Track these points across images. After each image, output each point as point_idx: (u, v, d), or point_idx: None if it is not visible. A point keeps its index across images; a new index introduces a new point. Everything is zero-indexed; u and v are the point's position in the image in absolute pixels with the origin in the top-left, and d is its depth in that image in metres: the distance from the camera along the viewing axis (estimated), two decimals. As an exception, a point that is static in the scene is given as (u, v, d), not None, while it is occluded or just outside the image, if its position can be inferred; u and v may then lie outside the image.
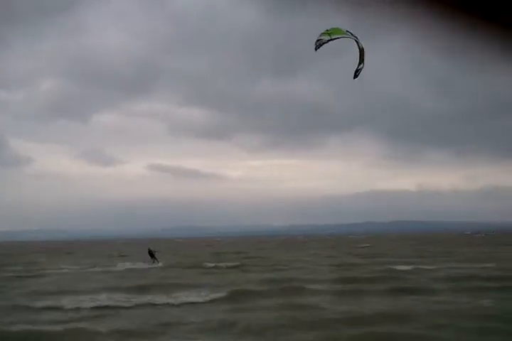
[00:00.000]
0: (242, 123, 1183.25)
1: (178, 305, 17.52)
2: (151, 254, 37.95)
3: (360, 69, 9.00)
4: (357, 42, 8.76)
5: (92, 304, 17.52)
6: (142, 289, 21.43)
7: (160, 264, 36.22)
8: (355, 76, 9.07)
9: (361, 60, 8.93)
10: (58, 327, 13.56)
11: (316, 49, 8.78)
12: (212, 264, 35.58)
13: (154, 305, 17.70)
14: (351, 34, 8.64)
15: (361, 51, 8.81)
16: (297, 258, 42.78)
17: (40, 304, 17.75)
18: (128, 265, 36.40)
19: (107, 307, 17.19)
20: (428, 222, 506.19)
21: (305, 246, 76.73)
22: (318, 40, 8.72)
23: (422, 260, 35.98)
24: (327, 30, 8.61)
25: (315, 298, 18.79)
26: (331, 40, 8.63)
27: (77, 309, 16.92)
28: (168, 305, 17.69)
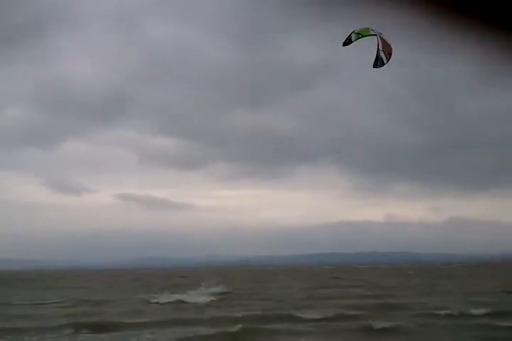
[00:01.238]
0: (213, 153, 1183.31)
1: None
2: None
3: (382, 62, 9.61)
4: (379, 36, 9.38)
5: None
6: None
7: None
8: (377, 65, 9.62)
9: (387, 54, 9.50)
10: None
11: (343, 44, 9.52)
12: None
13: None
14: (374, 31, 9.35)
15: (384, 45, 9.41)
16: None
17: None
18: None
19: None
20: (396, 253, 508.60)
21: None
22: (348, 38, 9.44)
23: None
24: (355, 31, 9.45)
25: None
26: (359, 38, 9.43)
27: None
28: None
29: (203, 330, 19.11)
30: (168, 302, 30.69)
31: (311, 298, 32.94)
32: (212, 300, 31.43)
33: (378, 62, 9.68)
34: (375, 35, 9.47)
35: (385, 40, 9.49)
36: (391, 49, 9.57)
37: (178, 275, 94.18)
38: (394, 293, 35.63)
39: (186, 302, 31.19)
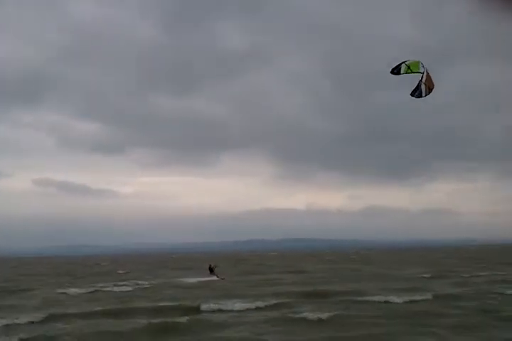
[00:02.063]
0: (137, 138, 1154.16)
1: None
2: (211, 270, 42.95)
3: (420, 93, 10.09)
4: (425, 71, 9.91)
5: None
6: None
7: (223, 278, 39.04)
8: (415, 95, 10.10)
9: (428, 89, 10.04)
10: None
11: (392, 72, 9.96)
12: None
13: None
14: (423, 67, 9.88)
15: (428, 80, 9.94)
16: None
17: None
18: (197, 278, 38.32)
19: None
20: (316, 240, 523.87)
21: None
22: (397, 67, 9.87)
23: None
24: (406, 62, 9.87)
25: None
26: (407, 72, 9.90)
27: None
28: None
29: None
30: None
31: (238, 285, 32.32)
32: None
33: (417, 93, 10.20)
34: (423, 72, 10.03)
35: (430, 77, 10.08)
36: (433, 86, 10.13)
37: (97, 263, 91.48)
38: (319, 279, 35.75)
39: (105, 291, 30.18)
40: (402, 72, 10.11)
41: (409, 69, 10.07)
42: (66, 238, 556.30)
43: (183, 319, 17.78)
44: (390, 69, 10.18)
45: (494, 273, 36.90)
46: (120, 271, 56.47)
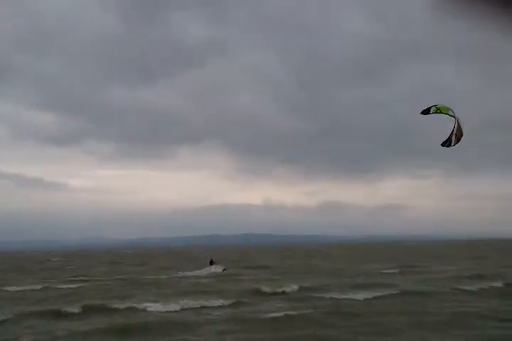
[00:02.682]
0: (93, 130, 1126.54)
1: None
2: (212, 263, 45.33)
3: (450, 143, 10.59)
4: (456, 121, 10.47)
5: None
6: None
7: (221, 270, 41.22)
8: (445, 145, 10.61)
9: (456, 139, 10.54)
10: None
11: (422, 113, 10.55)
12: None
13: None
14: (453, 114, 10.54)
15: (458, 130, 10.45)
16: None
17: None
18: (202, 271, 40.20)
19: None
20: (274, 236, 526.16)
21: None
22: (428, 109, 10.54)
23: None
24: (436, 106, 10.58)
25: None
26: (437, 113, 10.53)
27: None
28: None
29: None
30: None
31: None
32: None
33: (447, 143, 10.68)
34: (454, 117, 10.57)
35: (460, 125, 10.54)
36: (462, 135, 10.58)
37: (48, 259, 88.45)
38: (278, 275, 34.79)
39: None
40: (431, 112, 10.70)
41: (439, 110, 10.68)
42: (18, 232, 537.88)
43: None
44: (421, 111, 10.76)
45: (460, 268, 36.92)
46: (70, 267, 54.05)
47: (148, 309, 18.81)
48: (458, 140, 10.74)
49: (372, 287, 24.49)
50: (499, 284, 24.82)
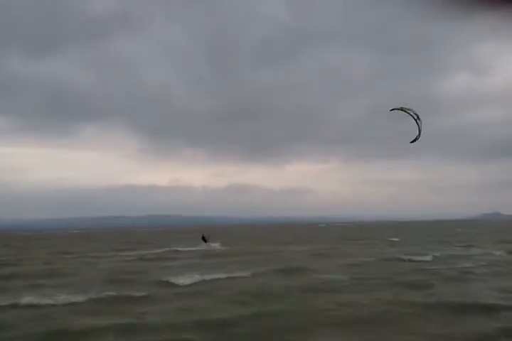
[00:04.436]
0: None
1: None
2: (204, 239, 47.40)
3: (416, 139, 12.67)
4: (416, 120, 12.64)
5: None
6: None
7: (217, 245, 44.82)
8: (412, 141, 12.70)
9: (419, 134, 12.62)
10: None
11: (391, 110, 12.74)
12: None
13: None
14: (414, 115, 12.67)
15: (419, 129, 12.58)
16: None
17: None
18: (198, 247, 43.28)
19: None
20: (181, 217, 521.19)
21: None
22: (395, 109, 12.71)
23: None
24: (403, 108, 12.78)
25: None
26: (400, 110, 12.75)
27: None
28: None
29: None
30: None
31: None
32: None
33: (414, 140, 12.64)
34: (413, 116, 12.60)
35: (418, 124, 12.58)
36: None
37: None
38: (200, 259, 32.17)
39: None
40: (396, 108, 12.75)
41: (402, 109, 12.74)
42: None
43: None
44: (390, 109, 12.81)
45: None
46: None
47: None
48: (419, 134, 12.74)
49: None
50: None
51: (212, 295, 16.42)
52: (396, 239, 53.50)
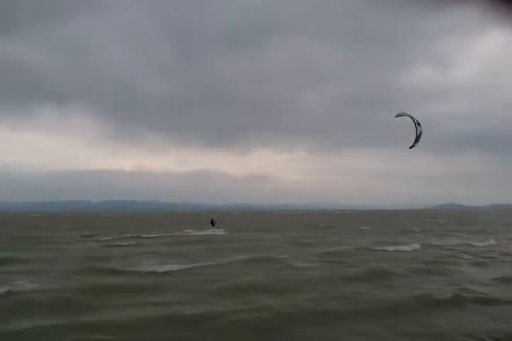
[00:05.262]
0: None
1: None
2: (213, 223, 48.88)
3: (415, 145, 13.16)
4: (416, 126, 13.03)
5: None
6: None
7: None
8: (411, 147, 13.14)
9: (417, 140, 13.03)
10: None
11: (396, 116, 13.24)
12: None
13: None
14: (415, 120, 13.19)
15: (419, 135, 13.02)
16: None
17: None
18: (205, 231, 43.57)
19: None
20: (145, 202, 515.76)
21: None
22: (399, 115, 13.28)
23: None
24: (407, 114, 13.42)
25: None
26: (404, 116, 13.25)
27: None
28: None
29: None
30: None
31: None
32: None
33: (413, 146, 13.35)
34: (415, 124, 13.24)
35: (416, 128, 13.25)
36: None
37: None
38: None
39: None
40: (401, 115, 13.28)
41: (406, 115, 13.31)
42: None
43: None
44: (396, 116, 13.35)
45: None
46: None
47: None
48: (418, 140, 13.16)
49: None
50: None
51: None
52: (367, 228, 53.12)
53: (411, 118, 13.22)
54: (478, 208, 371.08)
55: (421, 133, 12.99)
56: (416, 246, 28.50)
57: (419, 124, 13.01)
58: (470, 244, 30.69)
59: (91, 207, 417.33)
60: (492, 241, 31.78)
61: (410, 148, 13.07)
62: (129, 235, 40.29)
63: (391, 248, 27.46)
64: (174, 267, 19.10)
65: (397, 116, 13.21)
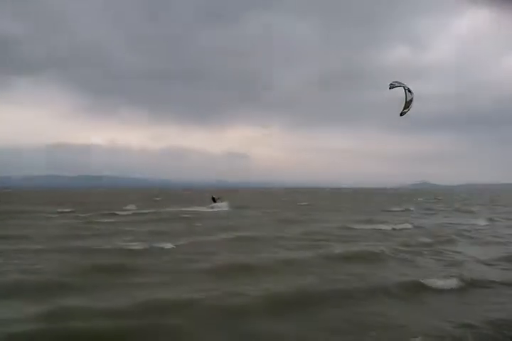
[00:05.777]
0: None
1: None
2: (214, 200, 47.14)
3: (405, 112, 12.81)
4: (406, 92, 12.76)
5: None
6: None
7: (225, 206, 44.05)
8: (401, 114, 12.82)
9: (407, 106, 12.71)
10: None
11: (389, 88, 12.65)
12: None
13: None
14: (405, 87, 12.83)
15: (409, 101, 12.74)
16: None
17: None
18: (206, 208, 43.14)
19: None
20: (118, 178, 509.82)
21: None
22: (392, 86, 12.71)
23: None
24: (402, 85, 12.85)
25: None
26: (399, 87, 12.75)
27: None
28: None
29: None
30: None
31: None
32: None
33: (403, 113, 12.91)
34: (406, 90, 12.84)
35: (406, 95, 12.84)
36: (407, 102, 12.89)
37: None
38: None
39: None
40: (394, 87, 12.72)
41: (400, 86, 12.81)
42: None
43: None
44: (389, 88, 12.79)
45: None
46: None
47: None
48: (408, 106, 12.70)
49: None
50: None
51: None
52: (349, 206, 52.93)
53: (402, 85, 12.87)
54: (455, 187, 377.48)
55: (412, 99, 12.71)
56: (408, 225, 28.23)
57: (409, 91, 12.73)
58: (458, 223, 30.61)
59: (63, 182, 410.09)
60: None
61: (401, 115, 12.70)
62: (109, 212, 38.88)
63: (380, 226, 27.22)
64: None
65: (391, 87, 12.72)
